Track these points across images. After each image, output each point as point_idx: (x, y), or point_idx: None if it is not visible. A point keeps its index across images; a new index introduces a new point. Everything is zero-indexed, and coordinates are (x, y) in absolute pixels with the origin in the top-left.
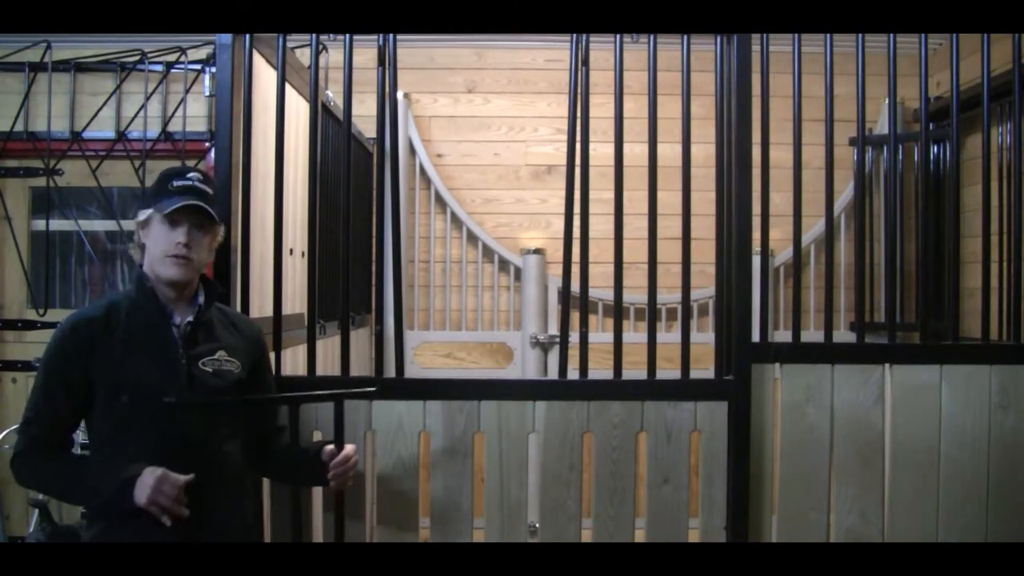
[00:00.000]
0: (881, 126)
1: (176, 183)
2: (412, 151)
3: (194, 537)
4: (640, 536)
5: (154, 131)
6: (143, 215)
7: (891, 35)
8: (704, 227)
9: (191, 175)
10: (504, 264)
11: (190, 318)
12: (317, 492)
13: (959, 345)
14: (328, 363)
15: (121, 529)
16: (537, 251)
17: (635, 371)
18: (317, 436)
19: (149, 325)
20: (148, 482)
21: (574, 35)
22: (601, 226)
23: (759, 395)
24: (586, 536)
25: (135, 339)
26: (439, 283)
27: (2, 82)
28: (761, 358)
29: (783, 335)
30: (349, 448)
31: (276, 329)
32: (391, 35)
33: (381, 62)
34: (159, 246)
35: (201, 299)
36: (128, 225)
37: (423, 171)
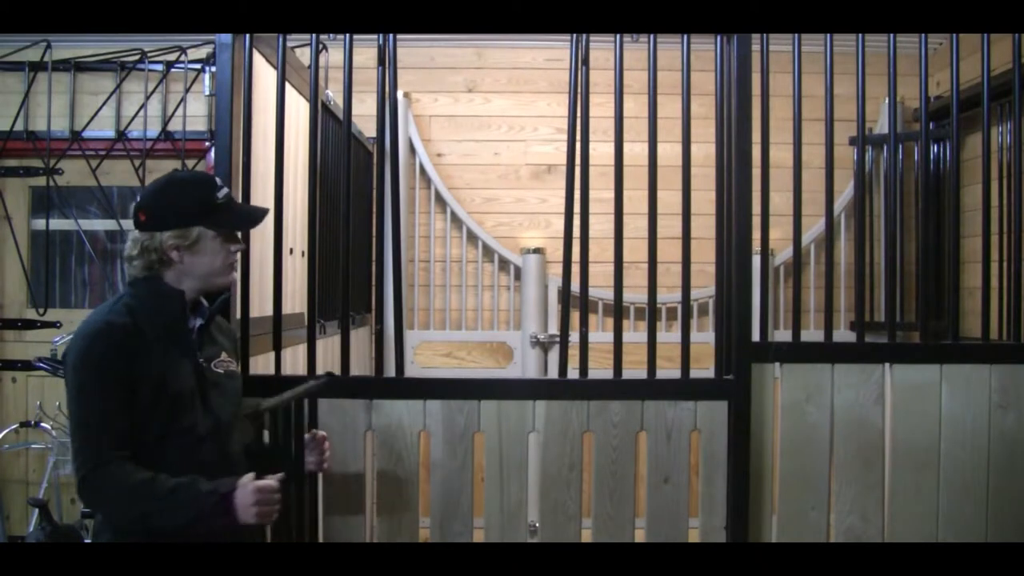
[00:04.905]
0: (881, 126)
1: (220, 196)
2: (412, 151)
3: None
4: (640, 536)
5: (154, 130)
6: (193, 233)
7: (891, 35)
8: (704, 227)
9: (218, 181)
10: (504, 264)
11: (201, 322)
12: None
13: (959, 345)
14: (328, 363)
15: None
16: (537, 251)
17: (635, 371)
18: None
19: (174, 330)
20: (250, 500)
21: (574, 35)
22: (601, 226)
23: (759, 395)
24: (586, 536)
25: (163, 344)
26: (439, 283)
27: (2, 82)
28: (761, 358)
29: (783, 335)
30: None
31: (276, 329)
32: (391, 35)
33: (381, 62)
34: (218, 261)
35: (206, 303)
36: (128, 225)
37: (423, 171)
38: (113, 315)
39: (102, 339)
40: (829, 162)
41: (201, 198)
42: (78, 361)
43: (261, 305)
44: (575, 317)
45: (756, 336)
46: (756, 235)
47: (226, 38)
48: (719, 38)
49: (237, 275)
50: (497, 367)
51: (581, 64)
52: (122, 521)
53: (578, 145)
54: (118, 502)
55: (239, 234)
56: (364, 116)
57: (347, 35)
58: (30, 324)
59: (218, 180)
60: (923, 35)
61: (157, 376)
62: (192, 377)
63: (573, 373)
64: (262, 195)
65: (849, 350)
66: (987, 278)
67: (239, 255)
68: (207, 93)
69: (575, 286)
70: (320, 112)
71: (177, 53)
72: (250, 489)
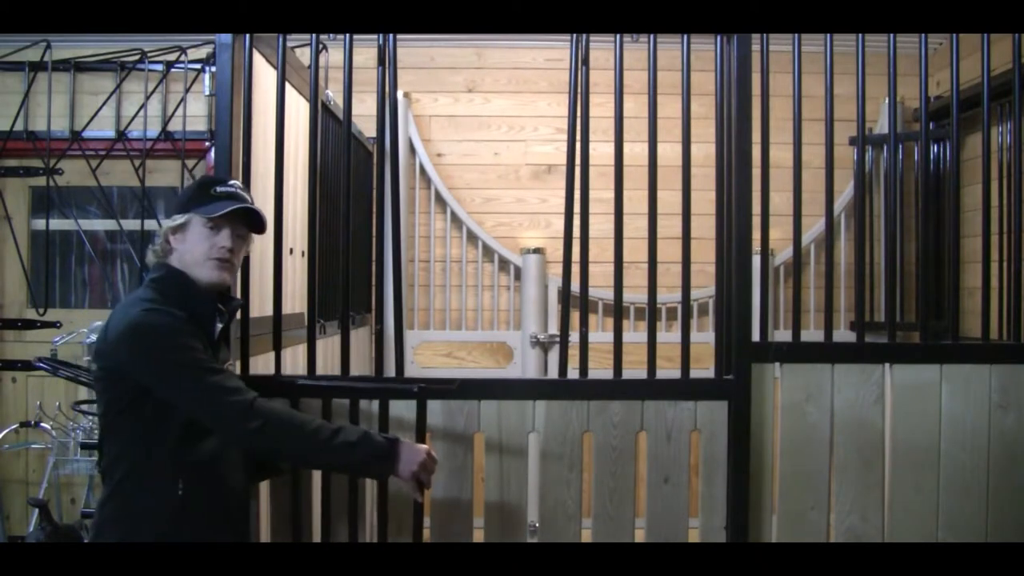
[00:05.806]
0: (881, 126)
1: (219, 189)
2: (412, 151)
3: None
4: (640, 536)
5: (154, 131)
6: (180, 219)
7: (891, 35)
8: (704, 227)
9: (233, 182)
10: (504, 264)
11: (221, 326)
12: (316, 493)
13: (959, 345)
14: (328, 363)
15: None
16: (537, 251)
17: (635, 371)
18: None
19: (206, 329)
20: (419, 458)
21: (574, 35)
22: (601, 226)
23: (759, 395)
24: (586, 536)
25: (198, 339)
26: (439, 283)
27: (2, 82)
28: (761, 358)
29: (783, 335)
30: None
31: (276, 329)
32: (391, 35)
33: (381, 62)
34: (199, 249)
35: (222, 307)
36: (128, 225)
37: (423, 171)
38: (154, 304)
39: (161, 322)
40: (829, 162)
41: (200, 188)
42: (154, 349)
43: (261, 305)
44: (575, 317)
45: (756, 336)
46: (756, 235)
47: (226, 38)
48: (719, 38)
49: (228, 276)
50: (497, 367)
51: (581, 64)
52: (294, 453)
53: (578, 145)
54: (286, 433)
55: (229, 231)
56: (364, 116)
57: (347, 35)
58: (30, 324)
59: (233, 182)
60: (923, 35)
61: None
62: None
63: (573, 373)
64: (262, 195)
65: (849, 350)
66: (987, 278)
67: (230, 254)
68: (207, 93)
69: (575, 286)
70: (320, 112)
71: (177, 53)
72: (422, 448)
